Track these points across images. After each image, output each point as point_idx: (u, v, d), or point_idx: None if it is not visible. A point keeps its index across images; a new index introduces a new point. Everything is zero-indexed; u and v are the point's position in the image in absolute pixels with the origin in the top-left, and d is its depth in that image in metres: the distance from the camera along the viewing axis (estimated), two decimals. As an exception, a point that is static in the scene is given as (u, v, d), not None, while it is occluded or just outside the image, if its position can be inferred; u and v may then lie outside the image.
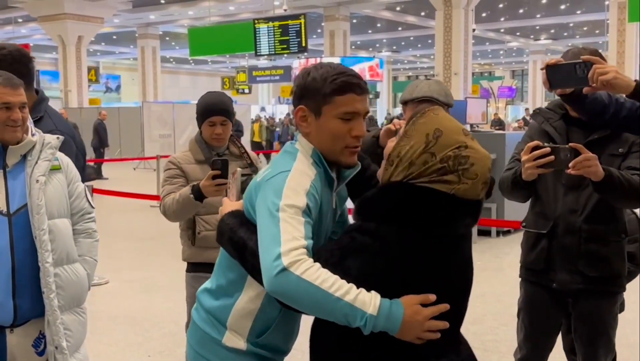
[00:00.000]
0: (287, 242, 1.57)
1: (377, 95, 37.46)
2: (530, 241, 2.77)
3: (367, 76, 26.10)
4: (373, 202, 1.67)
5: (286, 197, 1.63)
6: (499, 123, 22.53)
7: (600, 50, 2.72)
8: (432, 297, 1.60)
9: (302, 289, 1.54)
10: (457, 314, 1.71)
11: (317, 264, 1.56)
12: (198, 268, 3.20)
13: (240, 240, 1.73)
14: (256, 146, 21.64)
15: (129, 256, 7.74)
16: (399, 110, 42.28)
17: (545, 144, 2.47)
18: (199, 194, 2.95)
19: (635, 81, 2.22)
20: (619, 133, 2.59)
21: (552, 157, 2.40)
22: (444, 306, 1.61)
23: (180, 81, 47.12)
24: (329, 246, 1.65)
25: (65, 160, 2.40)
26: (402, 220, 1.60)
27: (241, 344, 1.84)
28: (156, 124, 21.51)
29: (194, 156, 3.21)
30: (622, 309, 3.38)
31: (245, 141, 22.13)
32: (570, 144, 2.42)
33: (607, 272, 2.64)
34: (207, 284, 1.96)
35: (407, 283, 1.60)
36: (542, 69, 2.44)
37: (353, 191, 1.93)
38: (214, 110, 3.15)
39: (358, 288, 1.57)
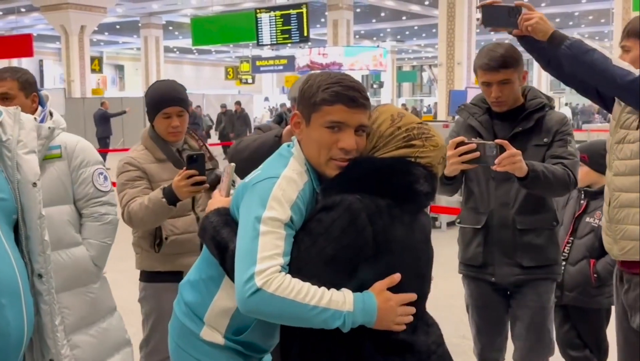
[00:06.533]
0: (262, 260, 1.57)
1: (381, 85, 37.44)
2: (467, 237, 2.80)
3: (370, 66, 26.00)
4: (337, 177, 1.70)
5: (270, 208, 1.61)
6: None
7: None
8: (397, 276, 1.65)
9: (277, 305, 1.56)
10: (423, 292, 1.75)
11: (288, 277, 1.57)
12: (166, 278, 2.83)
13: (222, 241, 1.74)
14: None
15: (125, 246, 7.71)
16: (403, 99, 42.20)
17: (473, 139, 2.49)
18: (172, 197, 2.56)
19: (554, 29, 2.42)
20: (541, 124, 2.66)
21: (478, 153, 2.43)
22: (412, 296, 1.67)
23: (184, 71, 47.07)
24: (300, 235, 1.65)
25: (71, 147, 2.39)
26: (364, 188, 1.65)
27: (219, 339, 1.83)
28: (159, 114, 21.50)
29: (153, 155, 2.83)
30: (611, 302, 3.36)
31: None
32: (496, 140, 2.45)
33: (543, 261, 2.70)
34: (190, 275, 1.94)
35: (377, 254, 1.63)
36: (478, 7, 2.61)
37: None
38: (167, 100, 2.78)
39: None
